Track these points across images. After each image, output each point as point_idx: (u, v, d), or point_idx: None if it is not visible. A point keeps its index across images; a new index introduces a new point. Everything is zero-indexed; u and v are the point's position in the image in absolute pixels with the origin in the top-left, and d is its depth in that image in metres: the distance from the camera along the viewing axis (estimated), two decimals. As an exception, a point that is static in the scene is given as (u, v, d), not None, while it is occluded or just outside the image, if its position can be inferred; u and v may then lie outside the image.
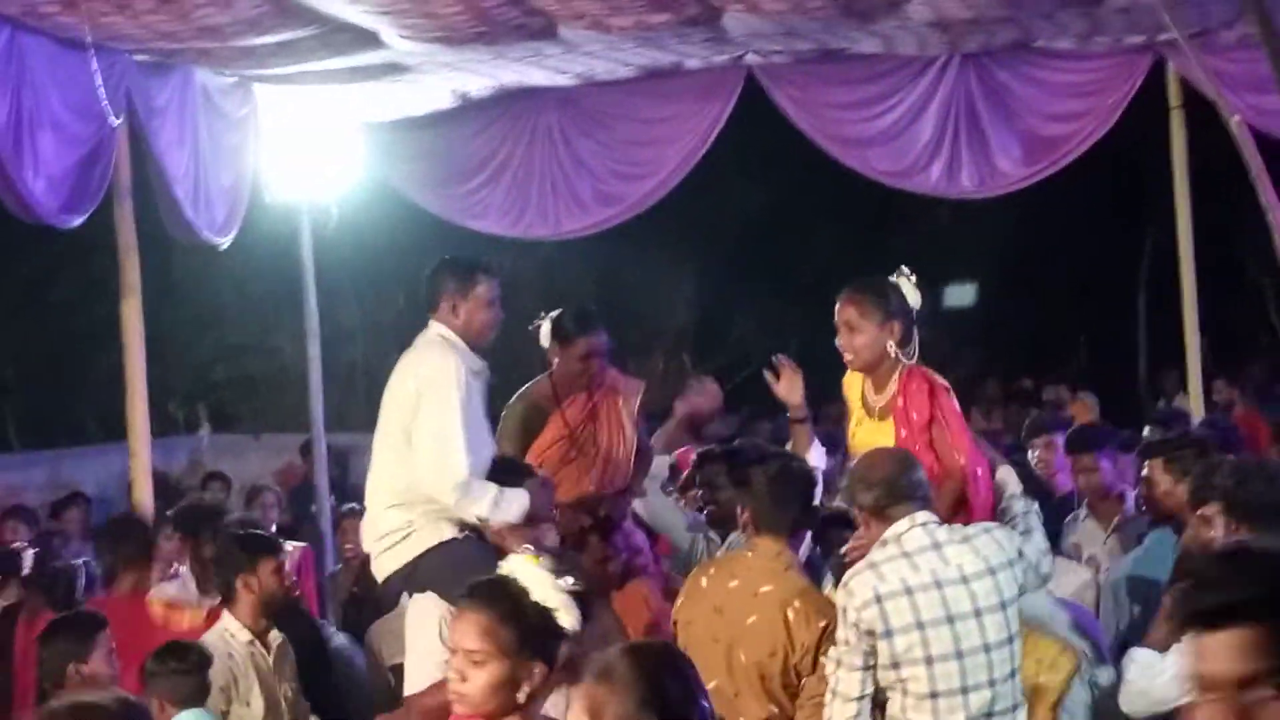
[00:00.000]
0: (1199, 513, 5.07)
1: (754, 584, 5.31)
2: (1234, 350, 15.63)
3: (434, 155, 10.61)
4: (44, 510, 11.14)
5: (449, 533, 5.89)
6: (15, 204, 7.16)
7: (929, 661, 4.74)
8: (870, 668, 4.78)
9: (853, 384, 5.97)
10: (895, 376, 5.74)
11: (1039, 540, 5.26)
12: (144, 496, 8.19)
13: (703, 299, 19.58)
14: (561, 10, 7.85)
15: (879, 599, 4.77)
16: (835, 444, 7.13)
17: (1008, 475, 5.54)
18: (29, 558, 7.75)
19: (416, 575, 5.86)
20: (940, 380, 5.79)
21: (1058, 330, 19.87)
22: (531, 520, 5.72)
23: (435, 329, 6.10)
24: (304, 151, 10.16)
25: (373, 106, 10.03)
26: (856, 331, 5.78)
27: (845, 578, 4.92)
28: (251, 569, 6.17)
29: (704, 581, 5.46)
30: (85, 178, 7.59)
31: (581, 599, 3.84)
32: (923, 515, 4.90)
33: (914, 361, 5.76)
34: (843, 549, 5.30)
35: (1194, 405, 9.89)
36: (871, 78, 9.86)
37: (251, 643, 6.09)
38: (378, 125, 10.45)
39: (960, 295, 20.53)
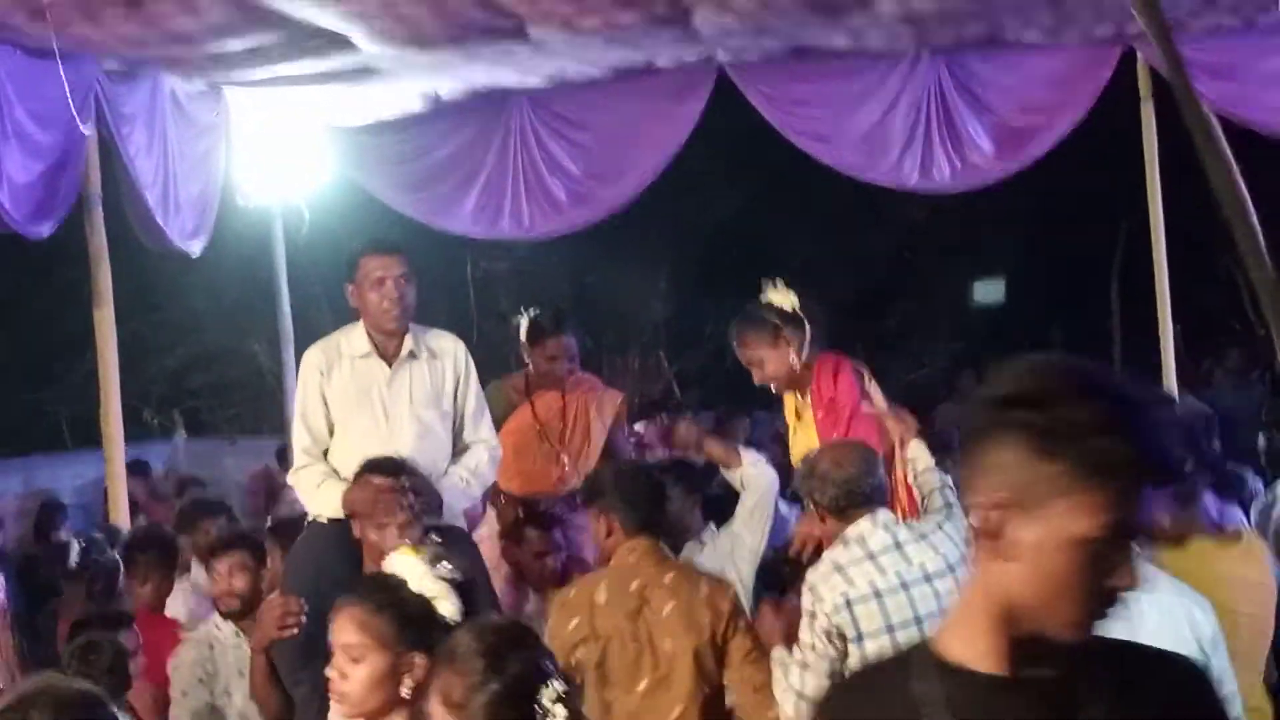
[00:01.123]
0: None
1: (656, 577, 5.27)
2: (1208, 338, 15.65)
3: (406, 158, 10.59)
4: (18, 519, 11.12)
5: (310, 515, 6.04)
6: (-17, 214, 7.13)
7: None
8: (836, 671, 4.78)
9: (788, 400, 6.26)
10: (809, 383, 6.06)
11: (960, 517, 5.26)
12: (120, 503, 8.17)
13: (678, 297, 19.57)
14: (530, 11, 7.84)
15: (849, 603, 4.77)
16: None
17: (919, 450, 5.57)
18: (75, 551, 7.74)
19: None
20: (849, 362, 6.08)
21: (1031, 320, 19.87)
22: (352, 515, 5.65)
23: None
24: (275, 156, 10.15)
25: (344, 110, 10.01)
26: (762, 364, 6.08)
27: (810, 580, 4.90)
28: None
29: (600, 597, 5.30)
30: (53, 186, 7.56)
31: (462, 587, 3.80)
32: (883, 515, 4.93)
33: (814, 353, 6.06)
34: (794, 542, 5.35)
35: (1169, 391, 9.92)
36: (843, 74, 9.85)
37: (237, 634, 6.09)
38: (349, 129, 10.43)
39: (989, 292, 20.60)
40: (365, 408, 5.98)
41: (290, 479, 6.11)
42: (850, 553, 4.87)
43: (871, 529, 4.88)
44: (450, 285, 19.38)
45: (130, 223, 8.52)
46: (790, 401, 6.22)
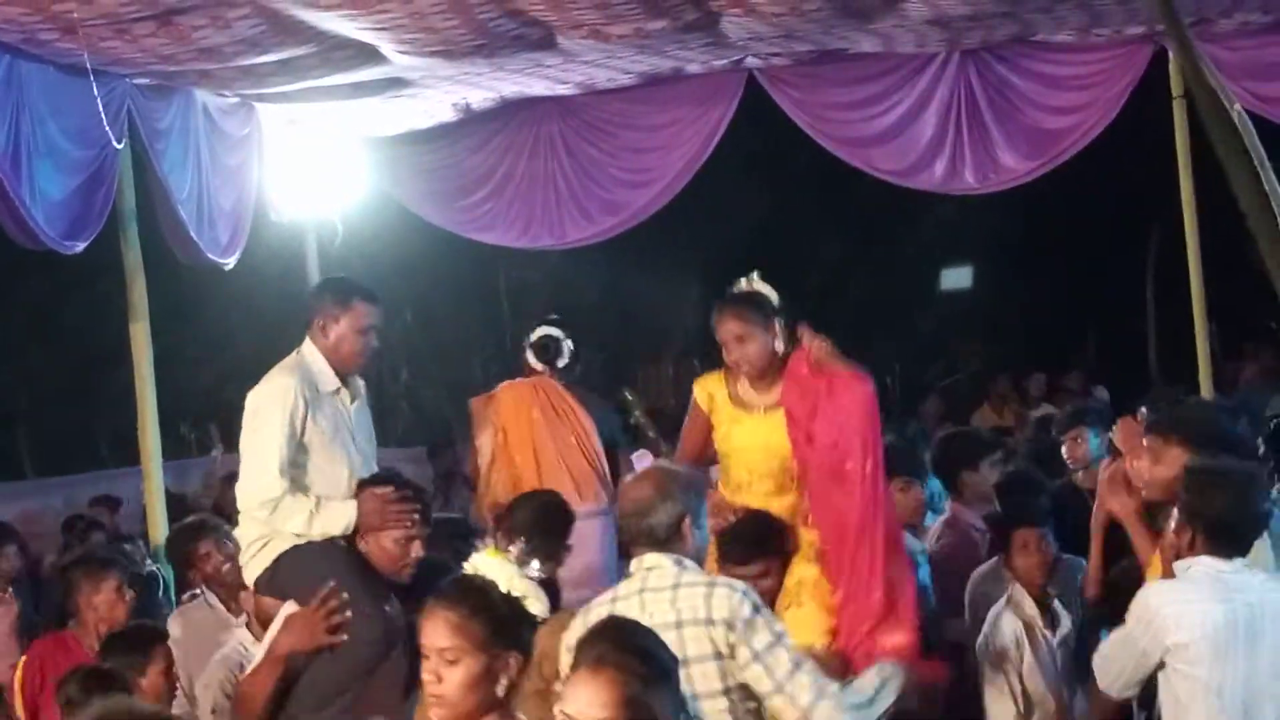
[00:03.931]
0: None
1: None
2: (1243, 337, 15.58)
3: (438, 169, 10.62)
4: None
5: (301, 538, 5.92)
6: (18, 231, 7.16)
7: None
8: None
9: (707, 386, 6.17)
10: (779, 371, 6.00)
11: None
12: (158, 518, 8.20)
13: (710, 303, 19.56)
14: (559, 20, 7.86)
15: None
16: None
17: None
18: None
19: (275, 580, 5.89)
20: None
21: (1065, 323, 19.81)
22: (363, 530, 5.66)
23: (294, 353, 6.07)
24: (308, 169, 10.18)
25: (375, 121, 10.04)
26: (747, 341, 6.00)
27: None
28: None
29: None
30: (87, 203, 7.60)
31: (548, 585, 3.85)
32: (649, 559, 4.76)
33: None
34: None
35: (1204, 392, 9.87)
36: (872, 76, 9.85)
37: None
38: (381, 140, 10.47)
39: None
40: (340, 444, 5.94)
41: (264, 512, 5.74)
42: (601, 596, 4.84)
43: (633, 571, 4.78)
44: (483, 295, 19.43)
45: (164, 238, 8.56)
46: (711, 386, 6.16)
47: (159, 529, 8.18)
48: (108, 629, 6.46)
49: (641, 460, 7.66)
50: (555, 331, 8.14)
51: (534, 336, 8.14)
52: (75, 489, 14.66)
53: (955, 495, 7.53)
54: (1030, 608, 6.34)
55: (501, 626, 3.76)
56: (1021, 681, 6.28)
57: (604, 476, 7.91)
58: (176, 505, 10.44)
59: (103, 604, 6.62)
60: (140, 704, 3.46)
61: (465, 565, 3.95)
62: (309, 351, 5.96)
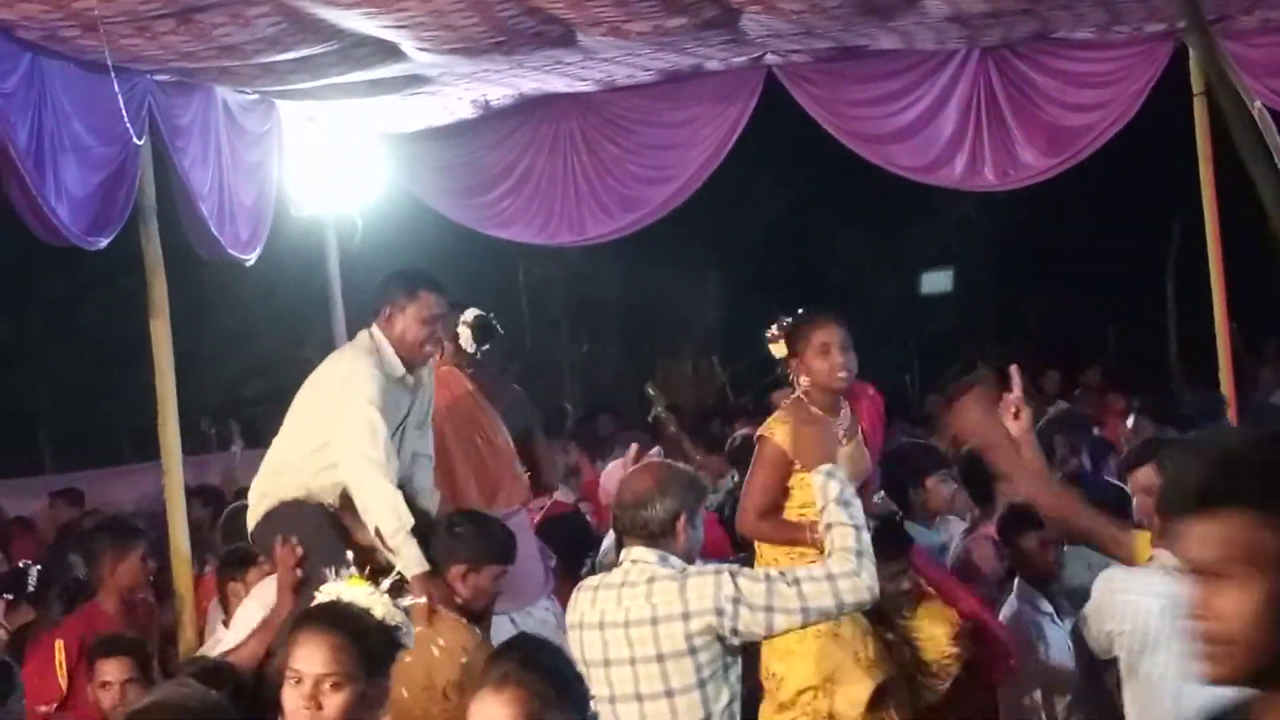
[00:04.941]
0: None
1: None
2: (1266, 334, 15.54)
3: (458, 165, 10.63)
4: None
5: (292, 495, 6.00)
6: (41, 227, 7.20)
7: (610, 700, 4.66)
8: None
9: (778, 431, 5.97)
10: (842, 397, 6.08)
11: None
12: (178, 515, 8.22)
13: (729, 300, 19.59)
14: (578, 18, 7.86)
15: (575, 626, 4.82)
16: None
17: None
18: (34, 575, 7.89)
19: (264, 533, 5.99)
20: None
21: (1085, 320, 19.79)
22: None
23: (365, 334, 6.14)
24: (328, 165, 10.20)
25: (395, 118, 10.06)
26: (850, 349, 5.99)
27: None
28: None
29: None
30: (110, 199, 7.62)
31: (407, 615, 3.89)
32: (636, 551, 4.75)
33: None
34: None
35: (1225, 390, 9.84)
36: (892, 74, 9.84)
37: None
38: (401, 136, 10.48)
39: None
40: (391, 431, 6.03)
41: (377, 479, 5.83)
42: (591, 579, 4.92)
43: (621, 562, 4.80)
44: (502, 291, 19.45)
45: (185, 233, 8.59)
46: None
47: (179, 523, 8.19)
48: (130, 596, 6.89)
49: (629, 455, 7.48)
50: (488, 314, 7.56)
51: (470, 315, 7.37)
52: (96, 484, 14.71)
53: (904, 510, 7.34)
54: None
55: (380, 654, 3.76)
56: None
57: (516, 474, 7.41)
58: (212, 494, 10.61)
59: (126, 572, 6.97)
60: (200, 691, 3.49)
61: (324, 590, 3.90)
62: (379, 337, 6.04)
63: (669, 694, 4.57)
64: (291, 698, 3.70)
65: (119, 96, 7.33)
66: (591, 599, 4.73)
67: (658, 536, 4.72)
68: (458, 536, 5.68)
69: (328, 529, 5.88)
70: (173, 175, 8.30)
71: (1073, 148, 9.74)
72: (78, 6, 6.56)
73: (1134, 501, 6.22)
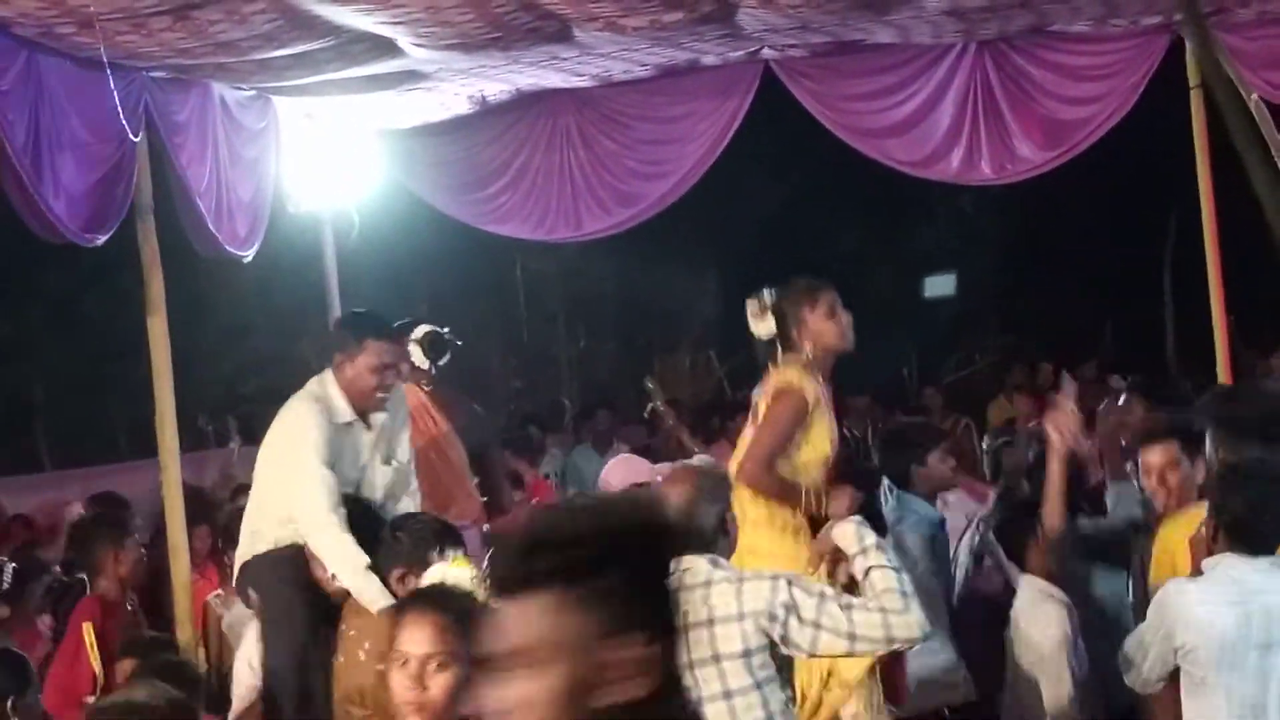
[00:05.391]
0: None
1: None
2: (1264, 329, 15.55)
3: (454, 161, 10.63)
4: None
5: (268, 547, 6.08)
6: (39, 224, 7.20)
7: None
8: None
9: (803, 381, 6.13)
10: None
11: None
12: (176, 511, 8.22)
13: (726, 295, 19.58)
14: (575, 13, 7.86)
15: None
16: None
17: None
18: (8, 572, 7.93)
19: (244, 575, 6.06)
20: None
21: (1083, 313, 19.80)
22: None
23: (315, 381, 6.16)
24: (325, 161, 10.20)
25: (392, 114, 10.06)
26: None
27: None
28: None
29: None
30: (107, 195, 7.62)
31: None
32: (687, 560, 4.70)
33: None
34: None
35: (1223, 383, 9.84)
36: (888, 68, 9.84)
37: None
38: (397, 132, 10.48)
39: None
40: (355, 473, 6.14)
41: (336, 518, 5.92)
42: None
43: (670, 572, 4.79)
44: (499, 286, 19.47)
45: (182, 230, 8.58)
46: (813, 388, 6.17)
47: (177, 521, 8.19)
48: (129, 583, 7.17)
49: (625, 460, 7.50)
50: (440, 329, 7.69)
51: (419, 333, 7.49)
52: (93, 481, 14.69)
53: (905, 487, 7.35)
54: None
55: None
56: None
57: (469, 491, 7.53)
58: (193, 497, 10.54)
59: (126, 560, 7.25)
60: (156, 690, 3.50)
61: (431, 574, 3.94)
62: (329, 383, 6.06)
63: (727, 695, 4.58)
64: (398, 679, 3.74)
65: (115, 93, 7.34)
66: None
67: (712, 542, 4.78)
68: (396, 540, 5.73)
69: (300, 581, 5.92)
70: (170, 172, 8.30)
71: (1069, 141, 9.75)
72: (74, 3, 6.56)
73: (1143, 481, 6.22)
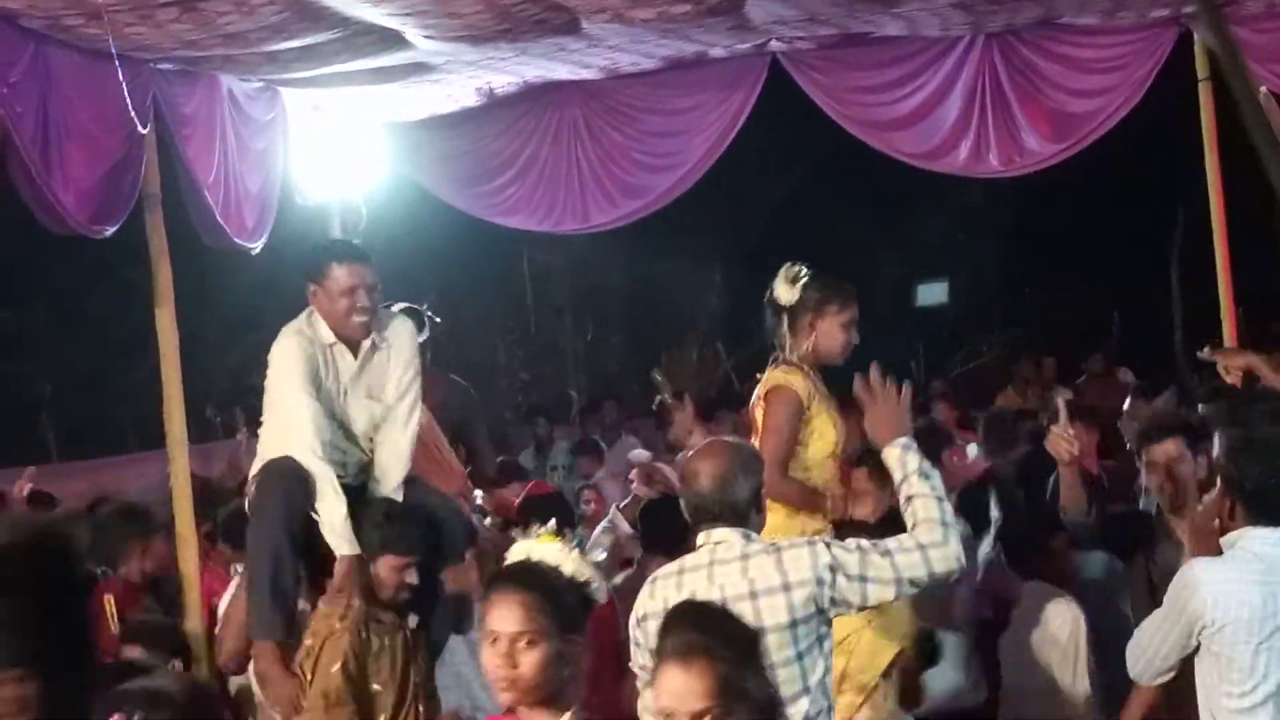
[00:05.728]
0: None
1: None
2: (1272, 321, 15.52)
3: (462, 153, 10.64)
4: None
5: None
6: (47, 215, 7.20)
7: None
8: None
9: (795, 383, 6.10)
10: None
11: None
12: (184, 504, 8.22)
13: (734, 287, 19.57)
14: (582, 4, 7.85)
15: (642, 619, 4.75)
16: None
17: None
18: None
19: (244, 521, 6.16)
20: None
21: (1090, 305, 19.76)
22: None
23: (305, 312, 6.21)
24: (332, 153, 10.20)
25: (399, 106, 10.06)
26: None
27: None
28: None
29: None
30: (115, 187, 7.62)
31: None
32: (718, 533, 4.72)
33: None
34: None
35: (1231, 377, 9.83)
36: (896, 60, 9.84)
37: None
38: (405, 125, 10.49)
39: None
40: (330, 397, 6.12)
41: (321, 450, 5.97)
42: (668, 566, 4.83)
43: (701, 545, 4.73)
44: (506, 278, 19.46)
45: (190, 222, 8.59)
46: (806, 386, 6.13)
47: (185, 512, 8.19)
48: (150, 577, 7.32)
49: (635, 454, 7.54)
50: (415, 305, 7.64)
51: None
52: (100, 473, 14.70)
53: None
54: None
55: (570, 612, 3.79)
56: None
57: (447, 466, 7.44)
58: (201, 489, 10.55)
59: (154, 555, 7.44)
60: (166, 683, 3.49)
61: (516, 549, 3.93)
62: (312, 313, 6.15)
63: (770, 666, 4.54)
64: (489, 657, 3.77)
65: (123, 85, 7.34)
66: (677, 584, 4.67)
67: (745, 515, 4.72)
68: (377, 527, 5.82)
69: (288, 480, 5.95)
70: (178, 164, 8.30)
71: (1077, 134, 9.73)
72: (82, -5, 6.57)
73: (1147, 478, 6.21)
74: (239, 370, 18.29)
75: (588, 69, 9.70)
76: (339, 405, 6.12)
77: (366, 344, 6.15)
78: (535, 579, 3.80)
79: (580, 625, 3.81)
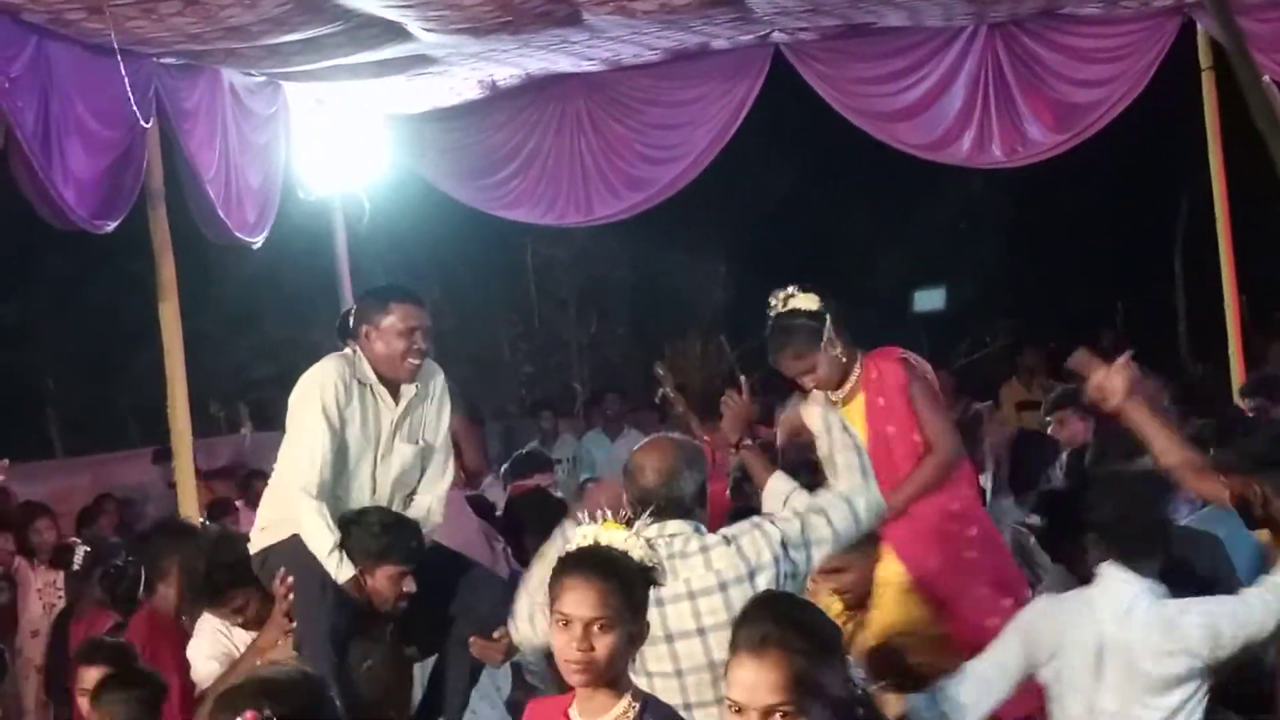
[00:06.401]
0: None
1: None
2: (1275, 310, 15.50)
3: (464, 146, 10.64)
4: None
5: (291, 531, 5.94)
6: (49, 210, 7.20)
7: (676, 674, 4.59)
8: None
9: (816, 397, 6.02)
10: (855, 370, 6.00)
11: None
12: (189, 498, 8.23)
13: (737, 280, 19.56)
14: (585, -4, 7.86)
15: None
16: None
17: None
18: (80, 555, 7.80)
19: (264, 565, 5.96)
20: (898, 354, 6.06)
21: (1093, 296, 19.74)
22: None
23: (346, 350, 6.07)
24: (335, 147, 10.19)
25: (402, 99, 10.06)
26: (811, 372, 5.95)
27: None
28: None
29: None
30: (117, 182, 7.62)
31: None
32: (672, 525, 4.67)
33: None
34: None
35: (1234, 366, 9.84)
36: (899, 51, 9.83)
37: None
38: (407, 118, 10.48)
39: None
40: (368, 443, 5.95)
41: (303, 496, 5.76)
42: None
43: (655, 538, 4.55)
44: (510, 271, 19.44)
45: (192, 216, 8.59)
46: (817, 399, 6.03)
47: (190, 506, 8.20)
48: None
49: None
50: None
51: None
52: (104, 467, 14.72)
53: None
54: None
55: (640, 594, 3.81)
56: None
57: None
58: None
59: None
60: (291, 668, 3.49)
61: (578, 535, 3.94)
62: (358, 352, 5.97)
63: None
64: (562, 640, 3.77)
65: (125, 79, 7.33)
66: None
67: (690, 510, 4.73)
68: (374, 537, 5.76)
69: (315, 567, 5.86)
70: (180, 158, 8.30)
71: (1081, 124, 9.73)
72: (83, -11, 6.57)
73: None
74: (242, 365, 18.30)
75: (590, 61, 9.69)
76: (371, 447, 6.02)
77: (410, 390, 6.08)
78: (609, 565, 3.80)
79: (645, 609, 3.83)
